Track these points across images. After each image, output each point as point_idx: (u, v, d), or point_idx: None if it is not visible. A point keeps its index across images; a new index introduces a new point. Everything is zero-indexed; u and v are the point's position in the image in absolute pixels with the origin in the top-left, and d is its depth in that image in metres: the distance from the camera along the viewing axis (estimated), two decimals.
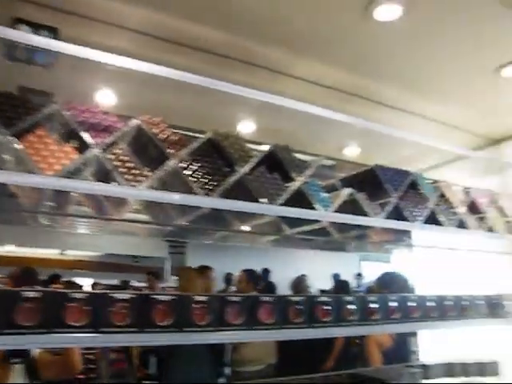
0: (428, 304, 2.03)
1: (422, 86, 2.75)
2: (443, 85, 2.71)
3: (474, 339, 3.23)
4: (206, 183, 1.68)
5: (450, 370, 2.85)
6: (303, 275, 7.58)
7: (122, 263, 7.05)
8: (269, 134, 2.61)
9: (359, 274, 7.64)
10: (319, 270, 7.73)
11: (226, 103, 2.42)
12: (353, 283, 7.44)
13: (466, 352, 3.05)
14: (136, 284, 6.08)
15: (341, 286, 6.00)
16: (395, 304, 1.89)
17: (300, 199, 1.81)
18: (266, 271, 7.76)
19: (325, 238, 2.32)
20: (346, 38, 2.30)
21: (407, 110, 3.02)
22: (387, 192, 2.10)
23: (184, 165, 1.67)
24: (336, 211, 1.88)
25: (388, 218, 2.06)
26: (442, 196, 2.36)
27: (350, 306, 1.74)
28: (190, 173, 1.67)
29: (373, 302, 1.81)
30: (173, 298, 1.41)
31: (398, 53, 2.42)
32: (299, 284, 5.42)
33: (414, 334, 3.84)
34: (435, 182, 2.38)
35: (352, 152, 3.34)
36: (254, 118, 2.85)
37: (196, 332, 1.39)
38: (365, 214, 1.99)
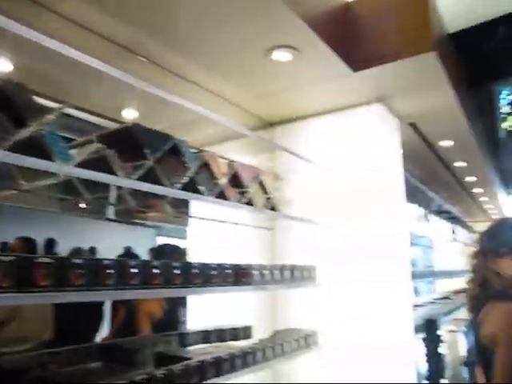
0: (174, 271, 2.01)
1: (207, 59, 2.70)
2: (224, 61, 2.70)
3: (238, 305, 3.44)
4: None
5: (206, 336, 2.95)
6: (91, 247, 7.20)
7: None
8: (32, 80, 2.24)
9: (151, 249, 7.58)
10: (113, 243, 7.44)
11: None
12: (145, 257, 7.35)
13: (229, 319, 3.22)
14: None
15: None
16: (136, 270, 1.82)
17: (35, 148, 1.57)
18: (50, 241, 7.13)
19: (73, 198, 2.12)
20: None
21: (193, 81, 2.96)
22: (144, 154, 1.99)
23: None
24: (80, 167, 1.70)
25: (143, 181, 1.96)
26: (206, 166, 2.38)
27: (108, 271, 1.68)
28: None
29: (108, 267, 1.70)
30: None
31: (184, 17, 2.31)
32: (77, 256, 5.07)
33: (183, 305, 3.93)
34: (200, 151, 2.37)
35: (130, 114, 3.17)
36: (10, 56, 2.43)
37: None
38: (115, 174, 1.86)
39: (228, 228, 3.40)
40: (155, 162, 2.01)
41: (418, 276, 4.82)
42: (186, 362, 2.05)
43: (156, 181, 2.03)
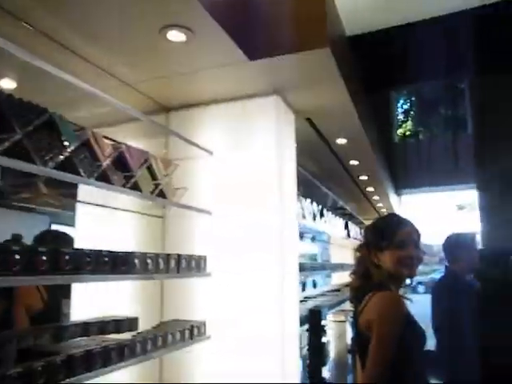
0: (41, 258, 1.84)
1: (100, 35, 2.48)
2: (118, 38, 2.51)
3: (129, 296, 3.29)
4: None
5: (86, 329, 2.77)
6: None
7: None
8: None
9: (35, 237, 7.09)
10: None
11: None
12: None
13: (118, 310, 3.06)
14: None
15: None
16: None
17: None
18: None
19: None
20: None
21: (84, 57, 2.72)
22: (12, 126, 1.79)
23: None
24: None
25: (9, 156, 1.77)
26: (87, 145, 2.21)
27: None
28: None
29: None
30: None
31: None
32: None
33: (67, 296, 3.68)
34: (81, 129, 2.20)
35: (7, 85, 2.87)
36: None
37: None
38: None
39: (119, 215, 3.24)
40: (25, 136, 1.81)
41: (306, 268, 4.98)
42: (49, 358, 1.88)
43: (26, 158, 1.85)
